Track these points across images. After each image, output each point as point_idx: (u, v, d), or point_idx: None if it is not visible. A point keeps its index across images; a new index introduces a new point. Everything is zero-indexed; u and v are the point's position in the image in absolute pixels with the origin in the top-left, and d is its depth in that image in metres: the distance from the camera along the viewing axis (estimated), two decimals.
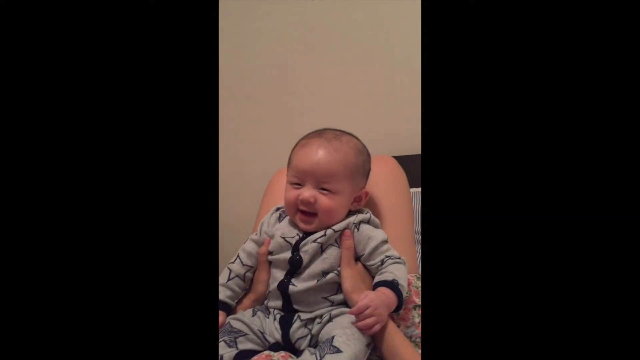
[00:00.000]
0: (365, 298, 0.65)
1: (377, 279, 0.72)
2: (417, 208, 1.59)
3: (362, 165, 0.77)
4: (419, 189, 1.67)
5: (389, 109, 1.84)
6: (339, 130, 0.79)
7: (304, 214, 0.74)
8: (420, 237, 1.50)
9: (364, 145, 0.80)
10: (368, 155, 0.80)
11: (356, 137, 0.81)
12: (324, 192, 0.73)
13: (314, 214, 0.74)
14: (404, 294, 0.70)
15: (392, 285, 0.69)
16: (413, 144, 1.74)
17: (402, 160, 1.70)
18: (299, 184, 0.75)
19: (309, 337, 0.70)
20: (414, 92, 1.73)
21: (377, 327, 0.65)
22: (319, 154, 0.73)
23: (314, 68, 1.96)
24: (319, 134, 0.77)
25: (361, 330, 0.65)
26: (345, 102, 1.91)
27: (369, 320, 0.65)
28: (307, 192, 0.73)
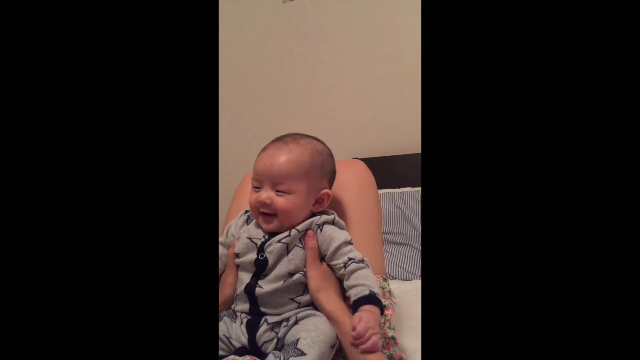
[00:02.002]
0: (361, 322, 0.65)
1: (355, 294, 0.70)
2: (388, 209, 1.62)
3: (319, 166, 0.78)
4: (395, 190, 1.69)
5: (381, 111, 1.86)
6: (302, 134, 0.80)
7: (264, 215, 0.76)
8: (385, 236, 1.53)
9: (325, 148, 0.81)
10: (329, 156, 0.81)
11: (319, 140, 0.81)
12: (280, 193, 0.74)
13: (273, 214, 0.75)
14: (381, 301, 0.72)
15: (374, 299, 0.70)
16: (401, 145, 1.77)
17: (390, 160, 1.73)
18: (258, 187, 0.76)
19: (275, 340, 0.70)
20: (407, 94, 1.77)
21: (380, 344, 0.66)
22: (272, 158, 0.75)
23: (312, 69, 1.97)
24: (279, 138, 0.79)
25: (365, 348, 0.64)
26: (342, 104, 1.93)
27: (374, 339, 0.64)
28: (264, 194, 0.74)
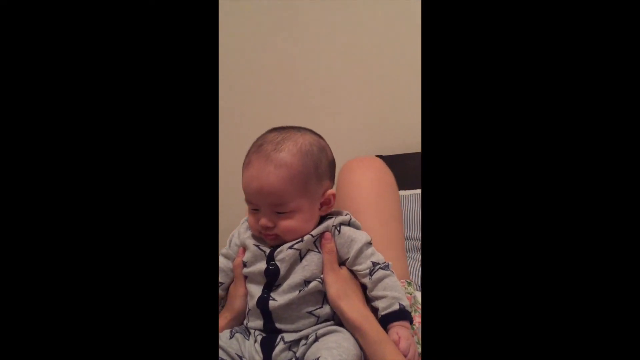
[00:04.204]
0: (402, 339, 0.62)
1: (384, 308, 0.65)
2: (412, 210, 1.54)
3: (313, 171, 0.67)
4: (413, 191, 1.61)
5: (386, 108, 1.81)
6: (284, 130, 0.69)
7: (267, 235, 0.68)
8: (413, 242, 1.45)
9: (314, 141, 0.69)
10: (320, 150, 0.69)
11: (307, 132, 0.70)
12: (281, 214, 0.66)
13: (277, 234, 0.67)
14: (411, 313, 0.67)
15: (404, 314, 0.65)
16: (408, 143, 1.70)
17: (397, 159, 1.67)
18: (255, 209, 0.67)
19: None
20: (411, 90, 1.70)
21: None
22: (259, 178, 0.64)
23: (313, 68, 1.92)
24: (259, 146, 0.67)
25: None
26: (344, 102, 1.87)
27: (416, 355, 0.63)
28: (264, 219, 0.66)
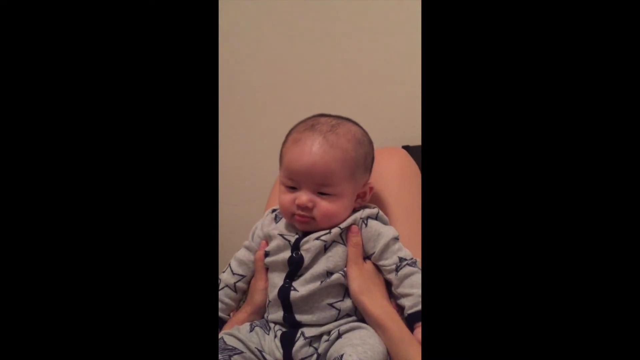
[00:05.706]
0: None
1: (409, 307, 0.63)
2: None
3: (363, 160, 0.68)
4: None
5: (394, 101, 1.76)
6: (335, 117, 0.70)
7: (301, 217, 0.67)
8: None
9: (364, 133, 0.71)
10: (370, 144, 0.71)
11: (355, 123, 0.71)
12: (323, 195, 0.65)
13: (312, 217, 0.66)
14: None
15: None
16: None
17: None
18: (294, 187, 0.66)
19: (314, 356, 0.62)
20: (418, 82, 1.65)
21: None
22: (313, 154, 0.64)
23: (316, 64, 1.88)
24: (311, 125, 0.67)
25: None
26: (349, 99, 1.83)
27: None
28: (304, 197, 0.65)
